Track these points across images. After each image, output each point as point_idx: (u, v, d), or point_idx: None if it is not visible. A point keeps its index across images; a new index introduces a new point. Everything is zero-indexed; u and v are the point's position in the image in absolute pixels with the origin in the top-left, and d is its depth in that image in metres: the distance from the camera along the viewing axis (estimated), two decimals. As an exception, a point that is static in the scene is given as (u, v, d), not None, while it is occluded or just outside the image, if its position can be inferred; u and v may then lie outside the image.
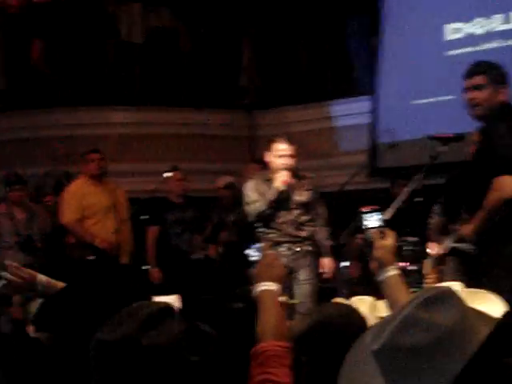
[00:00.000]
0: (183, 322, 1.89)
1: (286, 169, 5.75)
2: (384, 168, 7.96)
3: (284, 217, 5.79)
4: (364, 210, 2.70)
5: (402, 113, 7.71)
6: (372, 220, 2.66)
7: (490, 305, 2.43)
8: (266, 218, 5.78)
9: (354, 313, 2.11)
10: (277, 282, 2.50)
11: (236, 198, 6.77)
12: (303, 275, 5.80)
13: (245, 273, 5.54)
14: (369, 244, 2.62)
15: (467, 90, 4.35)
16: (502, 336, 1.30)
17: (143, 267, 7.13)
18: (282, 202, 5.77)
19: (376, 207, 2.73)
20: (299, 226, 5.83)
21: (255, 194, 5.79)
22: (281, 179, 5.69)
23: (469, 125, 4.81)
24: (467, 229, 4.19)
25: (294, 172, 5.86)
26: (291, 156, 5.80)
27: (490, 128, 4.25)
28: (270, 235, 5.79)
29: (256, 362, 2.23)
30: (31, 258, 6.56)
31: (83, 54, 9.05)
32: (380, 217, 2.67)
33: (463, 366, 1.29)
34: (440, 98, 7.66)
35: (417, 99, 7.99)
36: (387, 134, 7.34)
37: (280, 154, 5.77)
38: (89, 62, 9.09)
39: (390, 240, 2.59)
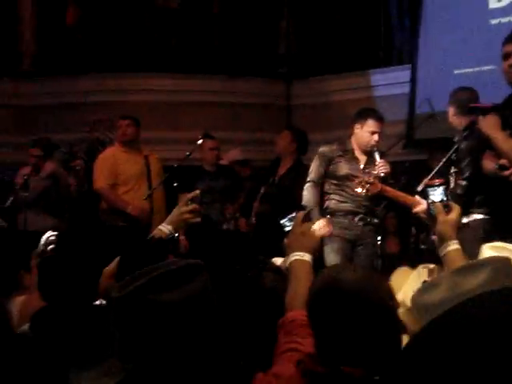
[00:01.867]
0: (202, 283, 1.90)
1: (374, 147, 5.63)
2: (421, 139, 7.80)
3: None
4: (429, 183, 2.70)
5: (442, 83, 7.53)
6: (437, 194, 2.68)
7: None
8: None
9: (372, 278, 2.04)
10: (309, 253, 2.49)
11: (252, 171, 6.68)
12: (365, 249, 5.73)
13: (278, 244, 5.49)
14: (432, 217, 2.65)
15: (506, 56, 4.20)
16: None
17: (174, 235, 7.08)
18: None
19: (442, 181, 2.75)
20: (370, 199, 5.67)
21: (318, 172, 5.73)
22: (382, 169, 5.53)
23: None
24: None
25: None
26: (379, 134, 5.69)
27: None
28: (341, 204, 5.71)
29: (284, 331, 2.25)
30: (58, 220, 6.59)
31: (118, 20, 9.00)
32: (445, 191, 2.67)
33: None
34: (482, 68, 7.47)
35: (457, 69, 7.81)
36: (426, 105, 7.17)
37: (373, 130, 5.65)
38: (123, 29, 9.04)
39: (453, 215, 2.62)
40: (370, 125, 5.65)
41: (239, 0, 9.45)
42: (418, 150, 7.74)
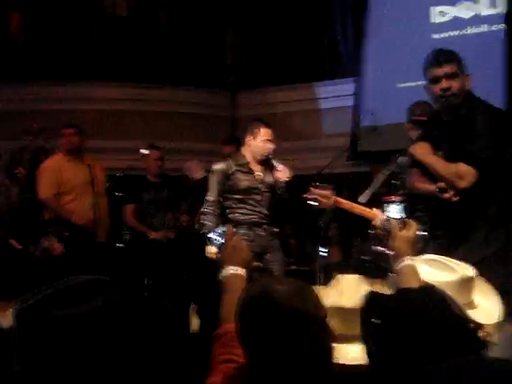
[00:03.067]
0: (105, 299, 1.86)
1: (270, 154, 5.76)
2: (365, 152, 7.91)
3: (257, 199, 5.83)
4: (387, 199, 2.75)
5: (385, 96, 7.66)
6: (394, 210, 2.70)
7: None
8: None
9: (304, 290, 2.07)
10: (242, 267, 2.59)
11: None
12: (273, 256, 5.84)
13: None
14: (388, 233, 2.72)
15: (438, 78, 4.24)
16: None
17: (118, 245, 7.04)
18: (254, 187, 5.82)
19: (400, 198, 2.79)
20: (270, 207, 5.85)
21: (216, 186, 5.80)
22: (283, 174, 5.70)
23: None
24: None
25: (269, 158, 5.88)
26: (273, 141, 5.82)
27: (466, 116, 4.21)
28: (245, 217, 5.80)
29: (219, 342, 2.30)
30: (0, 231, 6.50)
31: (64, 27, 8.92)
32: (403, 207, 2.70)
33: None
34: (424, 82, 7.59)
35: (400, 82, 7.94)
36: (369, 118, 7.28)
37: (266, 138, 5.76)
38: (69, 36, 8.97)
39: (409, 231, 2.69)
40: (263, 133, 5.77)
41: (186, 10, 9.45)
42: (361, 162, 7.83)
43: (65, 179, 6.87)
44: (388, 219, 2.75)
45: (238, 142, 7.21)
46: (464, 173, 4.06)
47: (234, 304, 2.34)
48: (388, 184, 4.97)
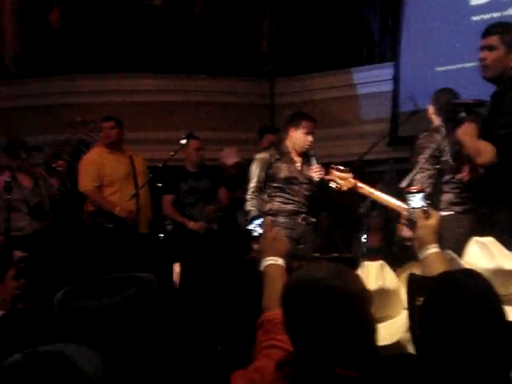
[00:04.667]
0: (128, 296, 1.92)
1: (309, 147, 5.96)
2: (404, 137, 7.85)
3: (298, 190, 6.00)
4: (409, 190, 2.87)
5: (425, 80, 7.58)
6: (416, 200, 2.81)
7: None
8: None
9: (345, 273, 2.07)
10: (282, 257, 2.66)
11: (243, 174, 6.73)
12: (307, 246, 5.94)
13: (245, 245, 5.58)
14: (412, 223, 2.77)
15: (480, 49, 4.26)
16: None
17: (160, 235, 7.10)
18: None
19: (421, 188, 2.95)
20: (308, 197, 6.01)
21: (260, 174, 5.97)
22: (317, 174, 5.85)
23: (492, 91, 4.71)
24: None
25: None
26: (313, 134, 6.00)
27: (499, 93, 4.16)
28: (285, 206, 5.93)
29: (263, 330, 2.37)
30: (42, 224, 6.57)
31: (100, 20, 8.97)
32: (424, 197, 2.82)
33: None
34: (464, 65, 7.51)
35: (440, 66, 7.85)
36: (409, 102, 7.21)
37: (307, 131, 5.96)
38: (105, 28, 9.02)
39: (432, 220, 2.75)
40: (304, 126, 5.97)
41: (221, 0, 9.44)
42: (401, 148, 7.77)
43: (106, 172, 6.94)
44: (413, 209, 2.77)
45: (277, 132, 7.24)
46: (482, 150, 4.02)
47: (275, 293, 2.40)
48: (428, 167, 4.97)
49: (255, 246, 2.86)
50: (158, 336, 1.93)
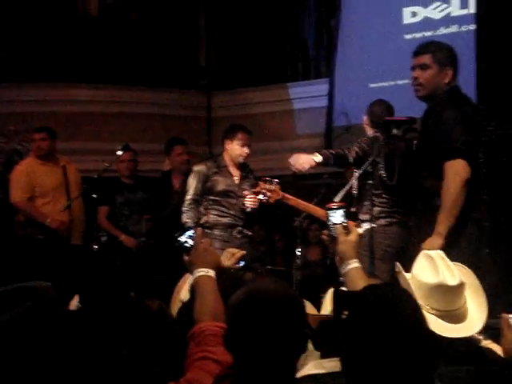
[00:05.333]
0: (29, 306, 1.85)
1: (244, 158, 6.01)
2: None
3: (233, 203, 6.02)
4: (329, 206, 2.87)
5: (359, 96, 7.69)
6: (337, 216, 2.82)
7: None
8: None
9: (288, 290, 2.11)
10: (212, 268, 2.65)
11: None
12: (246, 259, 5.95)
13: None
14: (333, 239, 2.80)
15: (412, 68, 4.33)
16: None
17: (94, 247, 7.02)
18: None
19: (341, 204, 2.91)
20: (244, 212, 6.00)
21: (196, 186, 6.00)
22: (248, 204, 5.84)
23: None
24: (439, 227, 4.10)
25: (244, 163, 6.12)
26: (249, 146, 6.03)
27: (434, 111, 4.23)
28: (220, 218, 5.96)
29: (194, 342, 2.35)
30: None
31: (36, 28, 8.87)
32: (344, 213, 2.82)
33: None
34: (397, 82, 7.66)
35: (374, 82, 7.99)
36: (343, 118, 7.33)
37: (242, 142, 5.98)
38: (42, 37, 8.92)
39: (352, 236, 2.78)
40: (240, 137, 6.00)
41: (159, 11, 9.43)
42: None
43: (38, 182, 6.83)
44: (333, 225, 2.80)
45: (185, 143, 7.20)
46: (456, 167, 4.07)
47: (207, 305, 2.48)
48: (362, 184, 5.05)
49: (186, 258, 2.82)
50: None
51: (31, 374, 1.80)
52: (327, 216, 2.83)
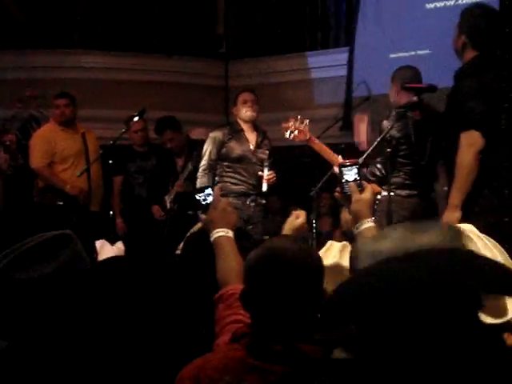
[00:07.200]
0: (71, 252, 1.87)
1: (250, 119, 6.00)
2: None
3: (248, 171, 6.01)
4: (343, 163, 2.71)
5: (378, 66, 7.63)
6: (350, 173, 2.67)
7: None
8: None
9: (306, 248, 2.11)
10: (231, 229, 2.58)
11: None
12: (255, 229, 5.96)
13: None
14: (347, 197, 2.64)
15: None
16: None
17: (111, 213, 7.06)
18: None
19: (355, 161, 2.74)
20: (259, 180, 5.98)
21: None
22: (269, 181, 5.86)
23: (445, 79, 4.80)
24: (454, 199, 4.10)
25: (257, 126, 6.14)
26: (255, 106, 6.05)
27: (455, 82, 4.26)
28: (234, 186, 5.93)
29: (224, 305, 2.30)
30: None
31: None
32: (358, 170, 2.67)
33: None
34: (417, 52, 7.60)
35: (393, 53, 7.92)
36: (362, 88, 7.26)
37: (244, 99, 6.03)
38: (60, 4, 8.88)
39: (367, 194, 2.63)
40: (241, 97, 6.05)
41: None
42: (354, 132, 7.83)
43: (58, 149, 6.86)
44: (346, 182, 2.66)
45: (177, 128, 7.18)
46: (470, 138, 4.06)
47: (232, 266, 2.44)
48: (382, 151, 5.03)
49: (202, 216, 2.73)
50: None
51: (93, 317, 1.79)
52: (340, 173, 2.68)
